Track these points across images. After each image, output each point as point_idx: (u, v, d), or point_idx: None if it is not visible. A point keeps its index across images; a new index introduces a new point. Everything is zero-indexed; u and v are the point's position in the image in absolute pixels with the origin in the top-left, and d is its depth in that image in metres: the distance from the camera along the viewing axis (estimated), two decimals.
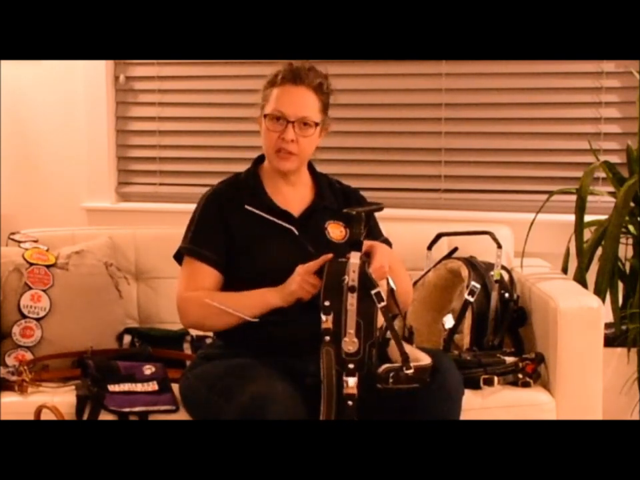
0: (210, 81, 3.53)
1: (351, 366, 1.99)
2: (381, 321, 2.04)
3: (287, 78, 2.28)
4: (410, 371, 1.98)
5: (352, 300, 1.99)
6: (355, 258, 2.01)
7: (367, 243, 2.12)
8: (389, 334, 2.08)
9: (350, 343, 2.00)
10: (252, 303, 2.23)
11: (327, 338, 2.00)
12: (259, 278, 2.24)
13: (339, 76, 3.34)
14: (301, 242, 2.29)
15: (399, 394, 2.01)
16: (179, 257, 2.36)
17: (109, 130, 3.58)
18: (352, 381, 1.98)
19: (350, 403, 1.98)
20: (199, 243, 2.31)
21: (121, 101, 3.62)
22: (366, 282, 2.01)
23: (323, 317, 2.00)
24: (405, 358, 1.99)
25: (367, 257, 2.10)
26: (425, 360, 2.05)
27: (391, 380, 1.98)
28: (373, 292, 2.00)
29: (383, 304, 2.00)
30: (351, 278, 1.99)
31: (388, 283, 2.14)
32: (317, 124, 2.29)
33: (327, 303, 2.01)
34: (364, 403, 2.00)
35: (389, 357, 2.14)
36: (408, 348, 2.08)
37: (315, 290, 2.13)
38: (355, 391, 1.98)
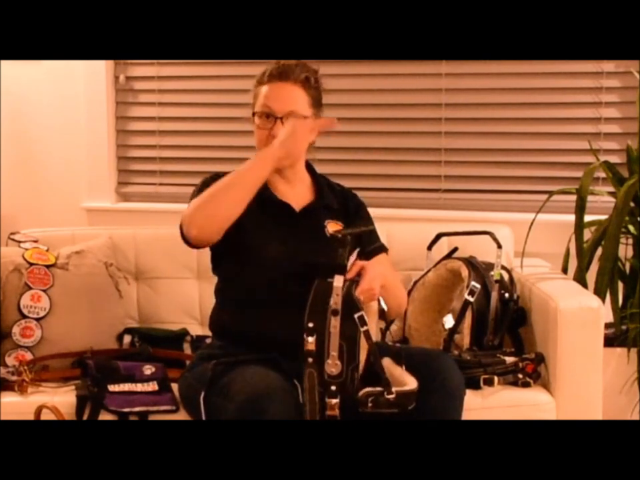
0: (210, 81, 3.53)
1: (333, 388, 1.98)
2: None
3: (274, 75, 2.29)
4: (391, 396, 1.97)
5: (335, 323, 1.98)
6: (338, 282, 2.00)
7: (358, 264, 2.10)
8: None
9: (332, 365, 1.98)
10: (240, 169, 2.21)
11: (310, 359, 1.99)
12: (256, 269, 2.24)
13: (338, 76, 3.38)
14: (300, 235, 2.28)
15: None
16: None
17: (109, 130, 3.58)
18: (334, 403, 1.97)
19: None
20: None
21: (121, 101, 3.62)
22: (350, 304, 1.99)
23: (307, 338, 1.99)
24: (386, 383, 1.98)
25: (358, 277, 2.07)
26: (411, 385, 2.03)
27: (370, 404, 1.97)
28: (356, 315, 1.98)
29: (365, 327, 1.98)
30: (334, 301, 1.98)
31: (379, 304, 2.12)
32: (305, 117, 2.28)
33: (310, 325, 1.99)
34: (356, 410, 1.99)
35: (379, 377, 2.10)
36: (398, 371, 2.08)
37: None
38: (336, 413, 1.97)
